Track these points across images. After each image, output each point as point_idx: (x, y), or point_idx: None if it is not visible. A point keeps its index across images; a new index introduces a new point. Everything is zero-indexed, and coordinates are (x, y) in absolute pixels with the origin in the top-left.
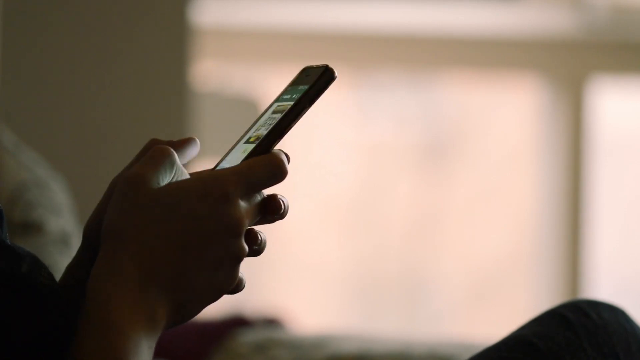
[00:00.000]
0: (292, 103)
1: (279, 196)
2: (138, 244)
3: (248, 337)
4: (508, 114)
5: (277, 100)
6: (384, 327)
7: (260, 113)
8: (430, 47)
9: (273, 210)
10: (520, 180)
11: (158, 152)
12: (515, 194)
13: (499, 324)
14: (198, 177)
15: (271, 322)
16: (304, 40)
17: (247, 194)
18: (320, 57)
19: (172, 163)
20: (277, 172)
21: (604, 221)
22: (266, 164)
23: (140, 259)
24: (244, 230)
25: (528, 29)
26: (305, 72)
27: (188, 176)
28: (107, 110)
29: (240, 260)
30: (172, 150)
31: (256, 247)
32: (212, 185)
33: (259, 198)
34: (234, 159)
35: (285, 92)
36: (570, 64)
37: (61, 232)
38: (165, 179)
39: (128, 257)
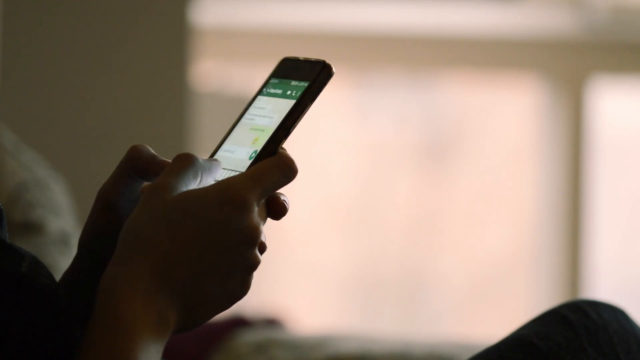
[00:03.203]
0: (293, 101)
1: (282, 198)
2: (153, 248)
3: (248, 337)
4: (508, 114)
5: (263, 94)
6: (384, 327)
7: (245, 107)
8: (430, 47)
9: (278, 214)
10: (520, 180)
11: (180, 162)
12: (515, 194)
13: (499, 324)
14: (214, 185)
15: (271, 322)
16: (304, 40)
17: (261, 198)
18: (320, 57)
19: (196, 171)
20: (289, 173)
21: (604, 221)
22: (277, 166)
23: (154, 262)
24: (260, 239)
25: (528, 29)
26: (291, 64)
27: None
28: (107, 110)
29: (254, 269)
30: (195, 156)
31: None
32: (230, 193)
33: (262, 201)
34: (231, 159)
35: (269, 85)
36: (570, 64)
37: (61, 232)
38: (190, 186)
39: (142, 260)
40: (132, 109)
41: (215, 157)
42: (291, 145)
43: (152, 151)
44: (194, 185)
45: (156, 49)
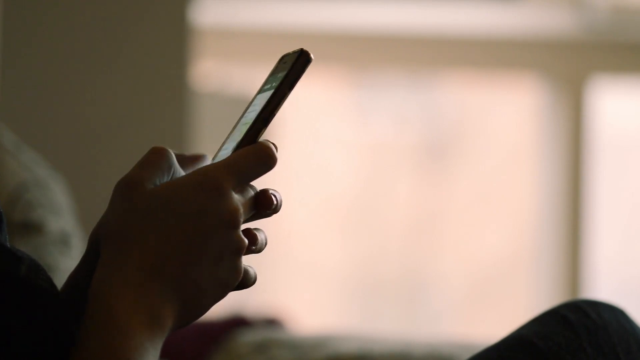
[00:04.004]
0: (272, 91)
1: (270, 191)
2: (137, 245)
3: (248, 337)
4: (508, 114)
5: (260, 91)
6: (384, 327)
7: (245, 107)
8: (430, 47)
9: (265, 206)
10: (520, 180)
11: (154, 154)
12: (515, 194)
13: (499, 324)
14: (190, 174)
15: (271, 322)
16: (304, 40)
17: (239, 185)
18: (320, 57)
19: (170, 165)
20: (266, 160)
21: (604, 221)
22: (254, 152)
23: (140, 259)
24: (241, 221)
25: (528, 29)
26: (283, 59)
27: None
28: (107, 110)
29: (241, 252)
30: (169, 151)
31: (254, 247)
32: (204, 180)
33: (251, 193)
34: (224, 155)
35: (266, 82)
36: (570, 64)
37: (61, 232)
38: (162, 179)
39: (129, 258)
40: (132, 109)
41: (216, 157)
42: (292, 146)
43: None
44: (166, 178)
45: (156, 49)
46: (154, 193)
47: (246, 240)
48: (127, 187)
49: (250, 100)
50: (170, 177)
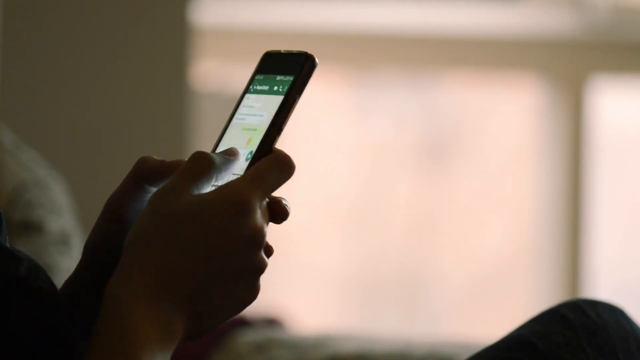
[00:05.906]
0: (281, 97)
1: (283, 202)
2: (155, 258)
3: (248, 337)
4: (508, 114)
5: (251, 92)
6: (384, 327)
7: (234, 107)
8: (430, 47)
9: (280, 217)
10: (520, 180)
11: (196, 163)
12: (515, 194)
13: (499, 324)
14: (219, 189)
15: (271, 322)
16: (304, 40)
17: (264, 198)
18: (320, 57)
19: (212, 173)
20: (287, 169)
21: (604, 221)
22: (275, 164)
23: (157, 269)
24: (264, 242)
25: (528, 29)
26: (274, 58)
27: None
28: (107, 110)
29: (261, 273)
30: (214, 161)
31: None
32: (233, 196)
33: (264, 204)
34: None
35: (255, 81)
36: (570, 64)
37: (61, 232)
38: (203, 189)
39: (145, 266)
40: (132, 109)
41: None
42: (292, 146)
43: (159, 159)
44: (207, 186)
45: (156, 49)
46: (183, 207)
47: (267, 261)
48: (159, 199)
49: (239, 99)
50: (212, 185)
